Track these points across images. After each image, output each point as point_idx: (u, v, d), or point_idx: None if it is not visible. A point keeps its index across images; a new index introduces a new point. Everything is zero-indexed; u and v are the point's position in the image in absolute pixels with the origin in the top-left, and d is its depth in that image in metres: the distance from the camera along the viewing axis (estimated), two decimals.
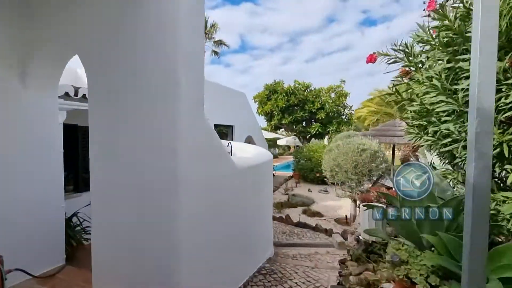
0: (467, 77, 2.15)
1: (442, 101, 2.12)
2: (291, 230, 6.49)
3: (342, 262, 3.64)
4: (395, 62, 3.10)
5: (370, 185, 6.48)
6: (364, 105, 26.31)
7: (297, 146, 25.05)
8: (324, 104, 15.15)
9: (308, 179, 13.47)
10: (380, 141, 7.24)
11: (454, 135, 2.06)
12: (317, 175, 12.99)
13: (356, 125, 21.09)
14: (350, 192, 6.53)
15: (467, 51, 2.10)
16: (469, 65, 2.00)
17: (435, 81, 2.19)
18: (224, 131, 12.68)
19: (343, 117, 15.76)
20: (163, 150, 2.18)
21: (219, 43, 26.16)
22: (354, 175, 6.22)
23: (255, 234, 3.71)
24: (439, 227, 1.87)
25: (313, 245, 5.20)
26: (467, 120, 2.12)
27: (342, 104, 15.67)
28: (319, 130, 15.26)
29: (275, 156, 27.48)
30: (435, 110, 2.22)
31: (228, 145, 4.47)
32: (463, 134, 1.97)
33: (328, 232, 6.07)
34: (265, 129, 21.61)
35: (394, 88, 3.12)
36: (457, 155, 2.18)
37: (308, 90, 15.82)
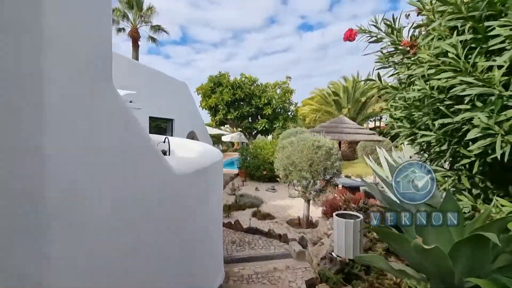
0: (491, 53, 1.67)
1: (463, 83, 1.58)
2: (241, 238, 5.71)
3: (311, 285, 3.01)
4: (377, 41, 2.56)
5: (324, 184, 6.14)
6: (305, 103, 27.35)
7: (243, 142, 24.49)
8: (270, 100, 14.81)
9: (255, 177, 12.95)
10: (330, 138, 7.01)
11: (478, 128, 1.54)
12: (264, 172, 12.59)
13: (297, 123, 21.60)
14: (304, 191, 6.08)
15: (492, 17, 1.61)
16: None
17: (452, 56, 1.64)
18: (163, 126, 11.17)
19: (289, 113, 15.74)
20: (10, 154, 1.08)
21: (157, 28, 23.63)
22: (308, 174, 5.77)
23: (202, 259, 2.78)
24: (483, 260, 1.29)
25: (269, 257, 4.51)
26: (503, 108, 1.66)
27: (288, 101, 15.61)
28: (266, 126, 14.90)
29: None
30: (450, 95, 1.69)
31: (164, 141, 3.41)
32: (496, 128, 1.46)
33: (283, 238, 5.49)
34: (209, 125, 20.46)
35: (377, 74, 2.60)
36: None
37: (255, 84, 15.30)
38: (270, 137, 19.89)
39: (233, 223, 6.40)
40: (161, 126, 11.03)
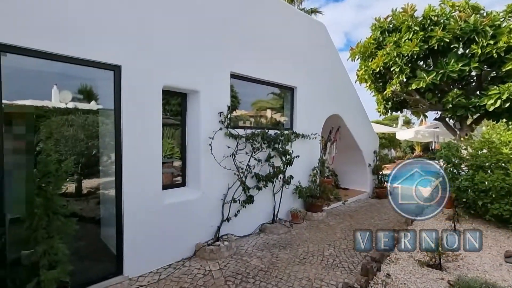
0: None
1: None
2: None
3: None
4: None
5: None
6: None
7: (436, 143, 15.18)
8: None
9: (486, 215, 5.30)
10: None
11: None
12: None
13: None
14: None
15: None
16: None
17: None
18: (280, 95, 6.16)
19: None
20: None
21: None
22: None
23: None
24: None
25: None
26: None
27: None
28: (511, 97, 6.47)
29: (390, 161, 18.23)
30: None
31: None
32: None
33: None
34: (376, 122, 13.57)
35: None
36: None
37: (479, 16, 7.24)
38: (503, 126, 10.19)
39: None
40: (280, 95, 6.20)
